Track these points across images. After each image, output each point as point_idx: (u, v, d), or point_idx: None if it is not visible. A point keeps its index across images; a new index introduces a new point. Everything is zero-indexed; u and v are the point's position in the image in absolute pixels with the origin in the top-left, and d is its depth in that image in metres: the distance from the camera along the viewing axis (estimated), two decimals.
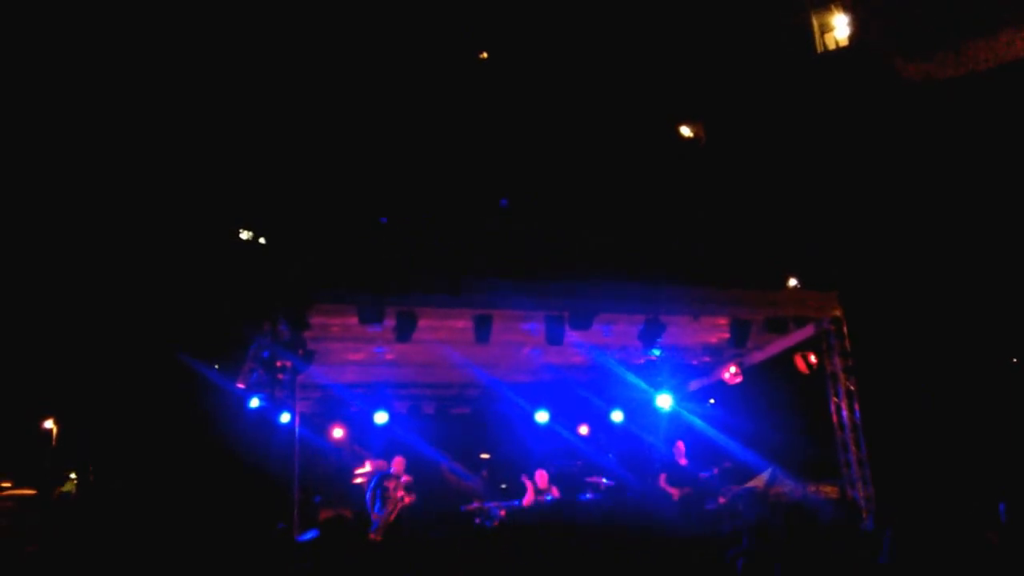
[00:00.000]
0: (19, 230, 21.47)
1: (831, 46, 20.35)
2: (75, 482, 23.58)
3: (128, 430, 19.31)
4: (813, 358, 12.29)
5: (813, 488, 12.33)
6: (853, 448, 11.93)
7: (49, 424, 24.00)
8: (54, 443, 24.03)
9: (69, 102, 21.20)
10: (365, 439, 14.14)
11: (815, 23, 20.45)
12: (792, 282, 16.41)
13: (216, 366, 15.29)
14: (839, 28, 20.34)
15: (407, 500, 12.28)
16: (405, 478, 12.60)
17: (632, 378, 14.14)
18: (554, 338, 11.08)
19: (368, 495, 12.49)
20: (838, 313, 12.12)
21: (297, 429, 10.63)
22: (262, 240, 23.05)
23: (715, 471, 13.09)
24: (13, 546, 16.99)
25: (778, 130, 19.31)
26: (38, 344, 21.76)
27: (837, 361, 12.07)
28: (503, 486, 14.58)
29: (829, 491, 12.08)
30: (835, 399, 12.16)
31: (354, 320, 10.38)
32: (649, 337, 11.31)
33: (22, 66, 20.66)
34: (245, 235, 23.17)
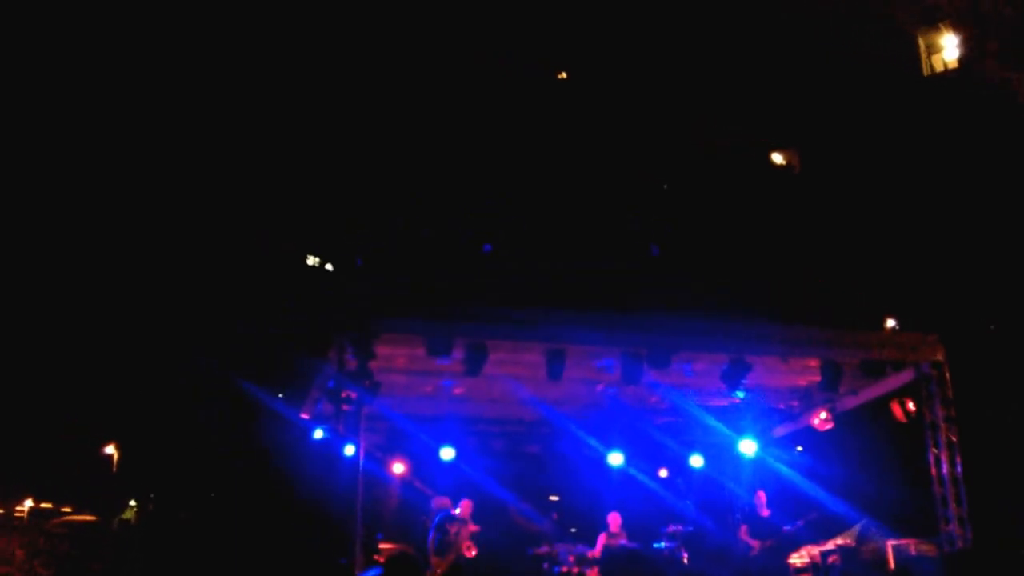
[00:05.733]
0: (82, 254, 22.45)
1: (938, 68, 20.08)
2: (135, 510, 24.39)
3: (191, 459, 19.94)
4: (911, 405, 12.12)
5: (910, 545, 12.10)
6: (953, 505, 11.69)
7: (110, 450, 24.91)
8: (115, 469, 24.90)
9: (132, 121, 22.14)
10: (429, 475, 14.39)
11: (922, 44, 20.23)
12: (890, 323, 16.20)
13: (281, 395, 15.78)
14: (948, 49, 20.06)
15: (471, 552, 12.44)
16: (472, 527, 12.74)
17: (712, 421, 14.12)
18: (631, 377, 11.17)
19: (430, 536, 12.72)
20: (940, 357, 11.93)
21: (361, 462, 10.91)
22: (329, 266, 23.63)
23: (800, 523, 12.98)
24: (76, 570, 17.70)
25: (879, 158, 19.10)
26: (101, 369, 22.64)
27: (938, 410, 11.85)
28: (573, 530, 14.67)
29: (927, 549, 11.86)
30: (934, 450, 11.93)
31: (422, 351, 10.68)
32: (733, 378, 11.32)
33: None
34: (312, 261, 23.80)
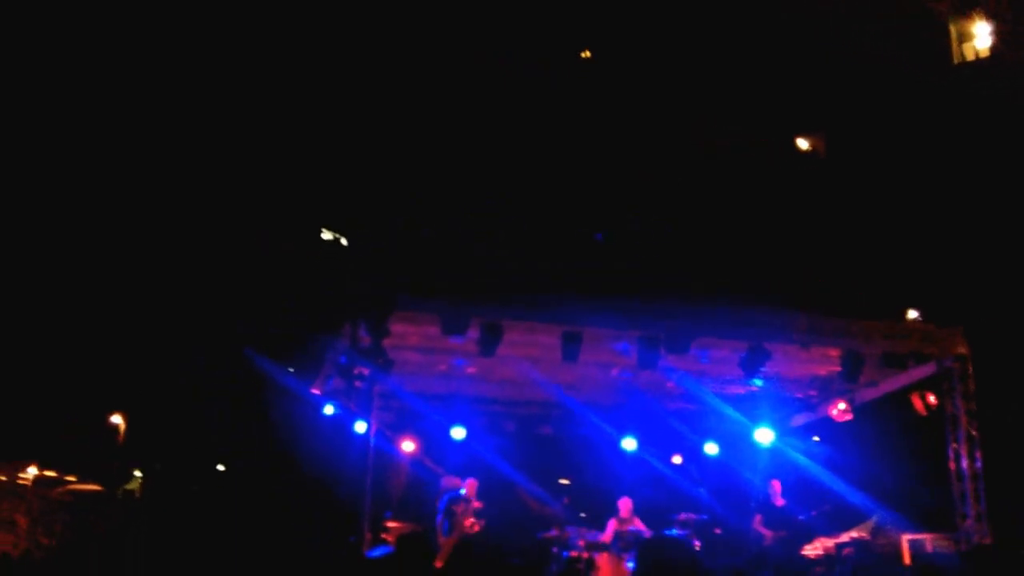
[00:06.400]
0: (93, 220, 22.43)
1: (969, 56, 19.82)
2: (140, 481, 24.48)
3: (197, 431, 19.99)
4: (932, 399, 12.04)
5: (926, 540, 12.04)
6: (972, 500, 11.63)
7: (117, 420, 24.95)
8: (121, 439, 24.96)
9: (142, 94, 22.10)
10: (440, 454, 14.37)
11: (953, 31, 19.96)
12: (911, 314, 16.07)
13: (291, 370, 15.75)
14: (980, 37, 19.80)
15: (475, 528, 12.43)
16: (476, 504, 12.74)
17: (729, 410, 14.05)
18: (647, 362, 11.11)
19: (438, 518, 12.71)
20: (963, 351, 11.84)
21: (372, 440, 10.90)
22: (344, 241, 23.55)
23: (814, 514, 12.92)
24: (79, 539, 17.78)
25: (906, 145, 18.91)
26: (109, 338, 22.67)
27: (959, 403, 11.78)
28: (582, 514, 14.64)
29: (943, 545, 11.79)
30: (954, 445, 11.86)
31: (436, 330, 10.64)
32: (752, 366, 11.24)
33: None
34: (327, 235, 23.72)
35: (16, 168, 21.12)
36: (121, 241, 22.43)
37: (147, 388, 23.12)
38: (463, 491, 12.76)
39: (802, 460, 14.39)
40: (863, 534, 12.64)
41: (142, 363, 22.62)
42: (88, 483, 23.04)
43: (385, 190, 22.12)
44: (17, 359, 22.10)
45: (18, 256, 21.75)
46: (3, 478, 22.46)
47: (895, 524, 12.60)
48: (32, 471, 24.31)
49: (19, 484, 23.39)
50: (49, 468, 24.50)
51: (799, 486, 13.67)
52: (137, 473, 24.71)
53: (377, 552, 10.81)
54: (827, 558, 12.12)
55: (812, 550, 12.30)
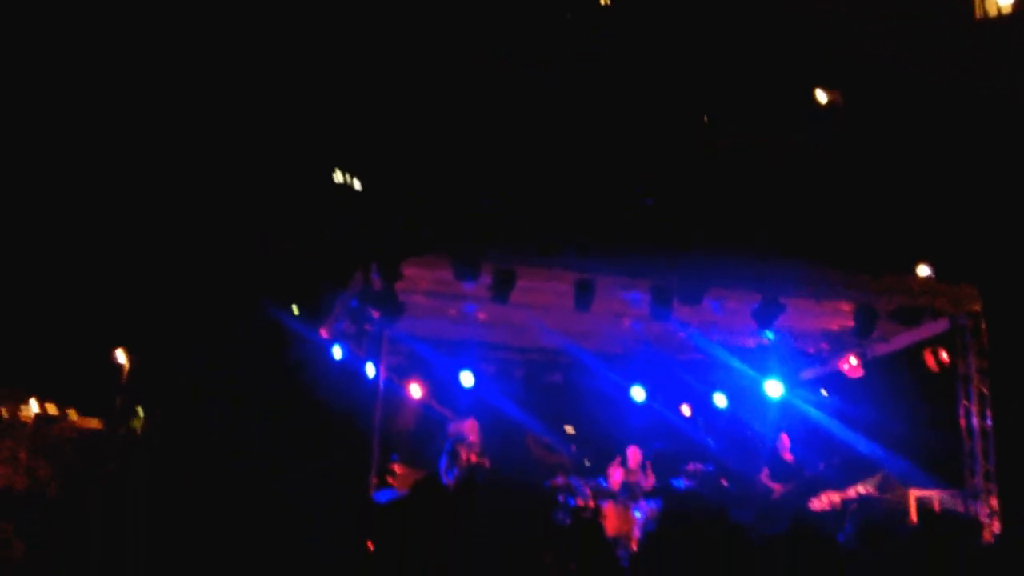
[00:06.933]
0: (102, 154, 22.27)
1: (992, 12, 19.51)
2: (143, 419, 24.52)
3: (203, 369, 19.96)
4: (945, 355, 12.04)
5: (933, 497, 12.12)
6: (980, 458, 11.70)
7: (121, 357, 24.91)
8: (124, 377, 24.96)
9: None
10: (448, 399, 14.41)
11: None
12: (924, 271, 16.01)
13: (300, 311, 15.75)
14: None
15: (475, 460, 12.51)
16: (473, 438, 12.84)
17: (738, 363, 14.07)
18: (660, 312, 11.10)
19: (443, 460, 12.80)
20: (977, 308, 11.84)
21: (382, 384, 10.90)
22: (357, 184, 23.34)
23: (822, 468, 13.00)
24: (80, 476, 17.87)
25: (924, 100, 18.68)
26: (115, 273, 22.61)
27: (972, 361, 11.81)
28: (587, 462, 14.72)
29: (951, 501, 11.88)
30: (965, 402, 11.92)
31: (448, 275, 10.60)
32: (765, 318, 11.24)
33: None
34: (338, 178, 23.50)
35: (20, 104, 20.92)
36: (128, 175, 22.27)
37: (153, 325, 23.11)
38: (466, 434, 12.84)
39: (812, 413, 14.46)
40: (870, 489, 12.71)
41: (149, 299, 22.59)
42: (90, 420, 23.12)
43: (399, 134, 21.88)
44: (18, 292, 22.07)
45: (23, 187, 21.62)
46: (4, 413, 22.55)
47: (903, 480, 12.67)
48: (33, 405, 24.39)
49: (20, 420, 23.49)
50: (50, 403, 24.58)
51: (809, 440, 13.74)
52: (140, 412, 24.76)
53: (384, 496, 10.89)
54: (833, 512, 12.21)
55: (819, 504, 12.39)
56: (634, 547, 11.94)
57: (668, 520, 9.46)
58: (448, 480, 12.23)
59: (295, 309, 16.09)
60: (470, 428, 13.09)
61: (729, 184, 19.89)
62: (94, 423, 23.27)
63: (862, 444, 13.34)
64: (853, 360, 13.16)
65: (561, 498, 12.61)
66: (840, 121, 19.65)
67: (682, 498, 11.34)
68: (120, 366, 24.99)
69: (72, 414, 23.82)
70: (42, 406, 24.45)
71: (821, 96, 19.35)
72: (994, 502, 11.55)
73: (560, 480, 12.90)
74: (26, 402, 24.17)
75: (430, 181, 20.45)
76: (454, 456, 12.60)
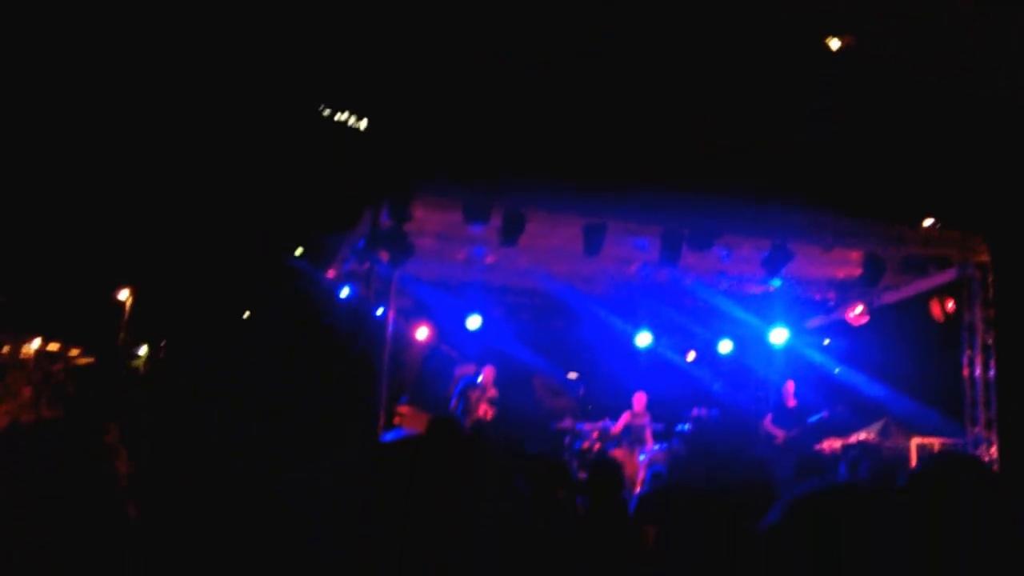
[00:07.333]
0: (106, 91, 22.08)
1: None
2: (145, 357, 24.68)
3: (206, 307, 20.05)
4: (951, 305, 12.10)
5: (934, 444, 12.25)
6: (982, 407, 11.83)
7: (124, 295, 24.99)
8: (127, 315, 25.08)
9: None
10: (455, 342, 14.48)
11: None
12: (928, 221, 15.99)
13: (306, 251, 15.73)
14: None
15: (488, 415, 12.62)
16: (491, 392, 12.91)
17: (743, 312, 14.11)
18: (669, 257, 11.10)
19: (452, 402, 12.91)
20: (985, 259, 11.87)
21: (390, 325, 10.93)
22: (363, 124, 23.14)
23: (825, 414, 13.12)
24: (83, 412, 18.03)
25: (934, 48, 18.52)
26: (119, 213, 22.56)
27: (977, 311, 11.87)
28: (588, 407, 14.85)
29: (951, 449, 12.01)
30: (969, 352, 12.01)
31: (457, 217, 10.57)
32: (774, 265, 11.26)
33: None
34: (342, 116, 23.29)
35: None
36: (134, 111, 22.11)
37: (154, 263, 23.14)
38: (479, 378, 12.92)
39: (817, 358, 14.55)
40: (871, 436, 12.86)
41: (152, 238, 22.59)
42: (92, 358, 23.21)
43: (409, 76, 21.64)
44: (22, 229, 22.05)
45: (27, 123, 21.47)
46: (7, 350, 22.64)
47: (905, 427, 12.81)
48: (36, 343, 24.50)
49: (22, 357, 23.60)
50: (53, 341, 24.70)
51: (813, 386, 13.84)
52: (143, 350, 24.92)
53: (391, 435, 10.98)
54: (833, 457, 12.34)
55: (821, 450, 12.53)
56: (638, 489, 12.10)
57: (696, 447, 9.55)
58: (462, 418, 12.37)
59: (300, 250, 16.07)
60: (486, 374, 13.15)
61: (739, 130, 19.78)
62: (97, 360, 23.35)
63: (865, 392, 13.45)
64: (859, 309, 13.20)
65: (567, 440, 12.76)
66: (853, 69, 19.47)
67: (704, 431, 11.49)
68: (122, 304, 25.08)
69: (74, 352, 23.91)
70: (44, 345, 24.57)
71: (834, 42, 19.17)
72: (994, 451, 11.69)
73: (567, 423, 13.03)
74: (29, 342, 24.27)
75: (441, 122, 20.29)
76: (464, 399, 12.70)
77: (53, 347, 24.46)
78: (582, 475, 11.11)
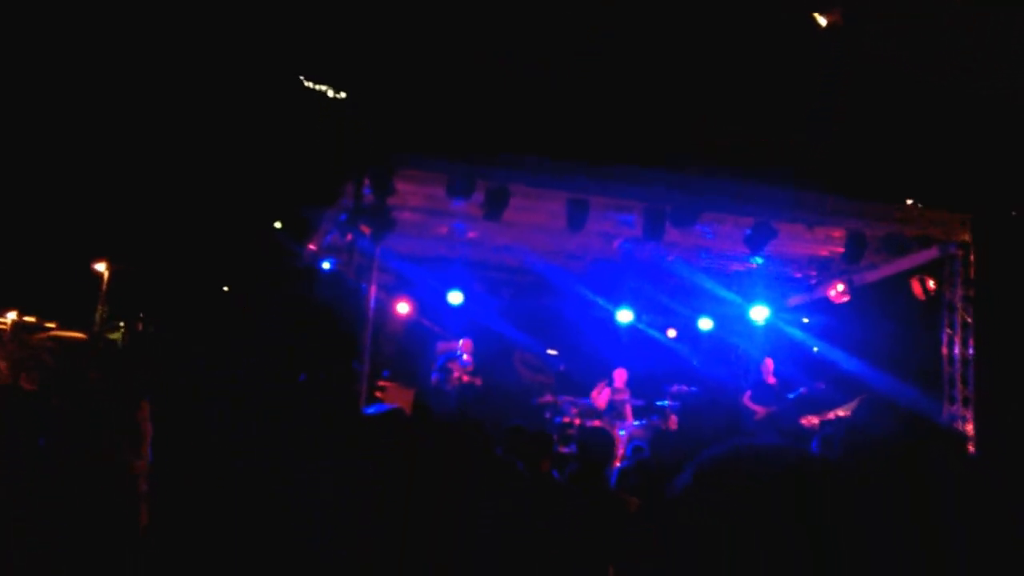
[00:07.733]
0: (88, 69, 21.83)
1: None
2: (123, 330, 24.53)
3: (185, 281, 19.93)
4: (932, 283, 12.18)
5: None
6: (960, 385, 11.95)
7: (101, 267, 24.77)
8: (104, 288, 24.86)
9: None
10: (436, 317, 14.46)
11: None
12: (909, 201, 16.07)
13: (285, 224, 15.65)
14: None
15: (475, 381, 12.65)
16: (467, 357, 12.95)
17: (724, 290, 14.17)
18: (652, 233, 11.11)
19: (433, 377, 12.91)
20: (967, 238, 11.95)
21: (372, 300, 10.90)
22: (342, 95, 22.93)
23: (803, 391, 13.22)
24: (62, 385, 17.89)
25: (920, 26, 18.55)
26: (95, 185, 22.34)
27: (958, 290, 11.96)
28: (568, 383, 14.87)
29: None
30: (948, 331, 12.11)
31: (440, 191, 10.53)
32: (757, 243, 11.29)
33: None
34: (324, 88, 23.06)
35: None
36: (113, 84, 21.88)
37: (132, 237, 22.96)
38: (460, 353, 12.93)
39: (797, 335, 14.63)
40: (847, 413, 12.95)
41: (130, 210, 22.41)
42: (71, 332, 23.06)
43: (392, 48, 21.48)
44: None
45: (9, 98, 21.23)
46: None
47: (883, 404, 12.90)
48: (12, 316, 24.30)
49: None
50: (29, 314, 24.51)
51: (793, 364, 13.92)
52: (121, 324, 24.76)
53: (373, 409, 10.97)
54: (810, 433, 12.44)
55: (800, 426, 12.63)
56: (617, 464, 12.15)
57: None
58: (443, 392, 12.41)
59: (279, 223, 15.98)
60: (464, 347, 13.17)
61: (722, 107, 19.79)
62: (75, 334, 23.22)
63: (844, 369, 13.55)
64: (840, 287, 13.26)
65: (548, 416, 12.80)
66: (839, 48, 19.47)
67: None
68: (100, 276, 24.88)
69: (52, 325, 23.76)
70: (21, 317, 24.39)
71: (821, 20, 19.15)
72: (970, 428, 11.82)
73: (547, 398, 13.07)
74: (4, 315, 24.08)
75: (424, 95, 20.17)
76: (446, 373, 12.71)
77: (30, 320, 24.28)
78: (562, 449, 11.19)
